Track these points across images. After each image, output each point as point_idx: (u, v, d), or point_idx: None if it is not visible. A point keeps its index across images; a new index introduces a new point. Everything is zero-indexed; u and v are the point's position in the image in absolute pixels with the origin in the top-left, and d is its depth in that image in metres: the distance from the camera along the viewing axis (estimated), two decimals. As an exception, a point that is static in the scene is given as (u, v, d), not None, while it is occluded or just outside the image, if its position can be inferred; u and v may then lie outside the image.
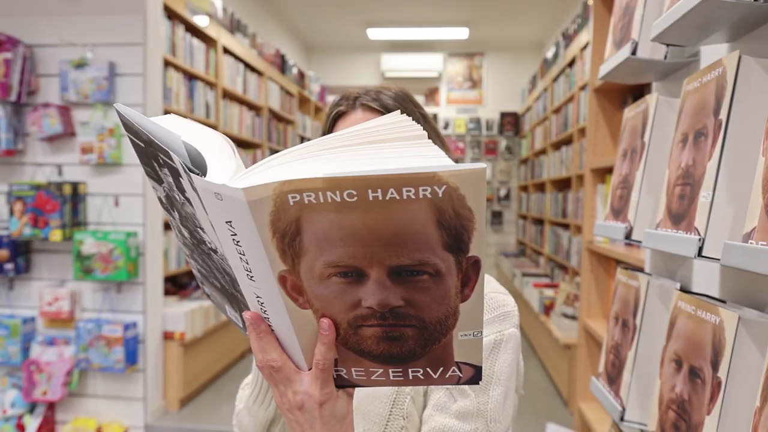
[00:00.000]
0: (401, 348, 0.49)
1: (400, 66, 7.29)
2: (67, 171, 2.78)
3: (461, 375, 0.51)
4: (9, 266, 2.72)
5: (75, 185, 2.70)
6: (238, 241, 0.45)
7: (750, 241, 0.66)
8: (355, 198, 0.41)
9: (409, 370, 0.50)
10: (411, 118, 0.60)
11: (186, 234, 0.58)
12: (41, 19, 2.76)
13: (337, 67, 7.58)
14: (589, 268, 2.39)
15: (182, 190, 0.50)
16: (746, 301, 0.89)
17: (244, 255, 0.46)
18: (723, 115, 0.77)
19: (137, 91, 2.75)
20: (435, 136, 0.80)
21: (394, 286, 0.46)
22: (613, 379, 1.19)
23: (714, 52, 1.00)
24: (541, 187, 5.94)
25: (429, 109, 7.47)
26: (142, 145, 0.51)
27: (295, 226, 0.43)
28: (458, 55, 7.40)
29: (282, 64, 5.60)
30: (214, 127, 3.83)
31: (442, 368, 0.50)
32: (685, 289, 1.01)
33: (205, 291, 0.68)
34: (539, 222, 5.89)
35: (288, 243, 0.44)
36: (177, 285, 3.65)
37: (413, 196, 0.41)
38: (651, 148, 1.06)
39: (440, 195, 0.41)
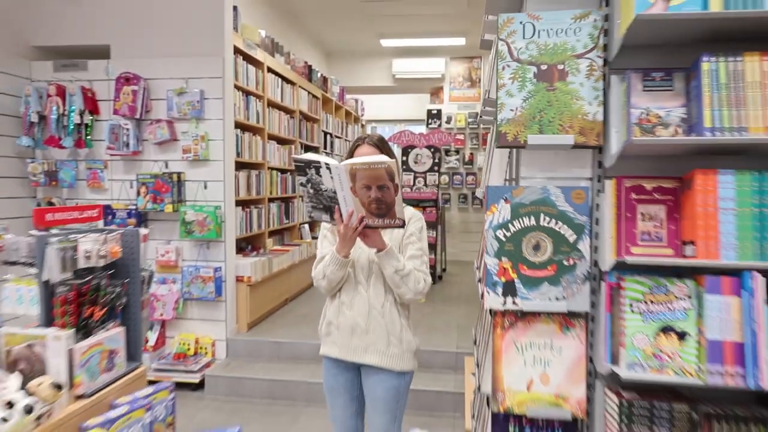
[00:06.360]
0: (381, 210, 1.75)
1: (409, 69, 8.45)
2: (172, 165, 4.06)
3: (399, 222, 1.77)
4: (136, 230, 4.02)
5: (179, 174, 3.98)
6: (341, 182, 1.74)
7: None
8: (367, 168, 1.69)
9: (385, 218, 1.76)
10: (387, 150, 1.91)
11: (311, 191, 1.81)
12: (155, 61, 4.03)
13: (355, 70, 8.78)
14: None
15: (319, 174, 1.75)
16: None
17: (342, 189, 1.74)
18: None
19: (218, 110, 4.01)
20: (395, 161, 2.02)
21: (378, 191, 1.72)
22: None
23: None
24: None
25: (433, 106, 8.64)
26: (302, 164, 1.76)
27: (353, 175, 1.70)
28: (459, 59, 8.53)
29: (309, 73, 6.81)
30: (260, 129, 5.11)
31: (395, 219, 1.76)
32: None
33: (312, 215, 1.89)
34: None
35: (352, 179, 1.72)
36: (239, 248, 4.94)
37: (382, 167, 1.68)
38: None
39: (387, 167, 1.68)
